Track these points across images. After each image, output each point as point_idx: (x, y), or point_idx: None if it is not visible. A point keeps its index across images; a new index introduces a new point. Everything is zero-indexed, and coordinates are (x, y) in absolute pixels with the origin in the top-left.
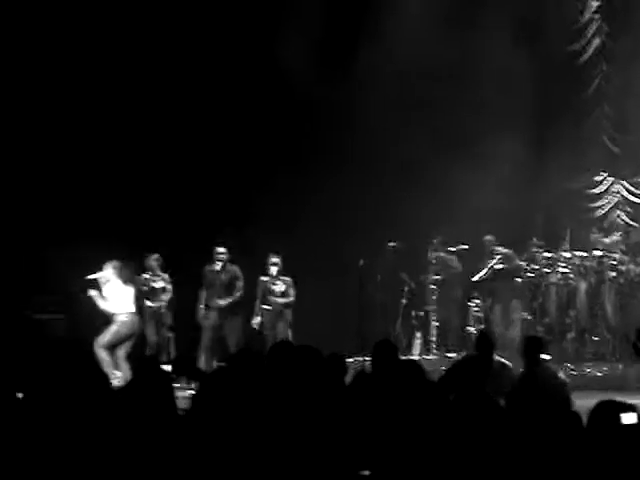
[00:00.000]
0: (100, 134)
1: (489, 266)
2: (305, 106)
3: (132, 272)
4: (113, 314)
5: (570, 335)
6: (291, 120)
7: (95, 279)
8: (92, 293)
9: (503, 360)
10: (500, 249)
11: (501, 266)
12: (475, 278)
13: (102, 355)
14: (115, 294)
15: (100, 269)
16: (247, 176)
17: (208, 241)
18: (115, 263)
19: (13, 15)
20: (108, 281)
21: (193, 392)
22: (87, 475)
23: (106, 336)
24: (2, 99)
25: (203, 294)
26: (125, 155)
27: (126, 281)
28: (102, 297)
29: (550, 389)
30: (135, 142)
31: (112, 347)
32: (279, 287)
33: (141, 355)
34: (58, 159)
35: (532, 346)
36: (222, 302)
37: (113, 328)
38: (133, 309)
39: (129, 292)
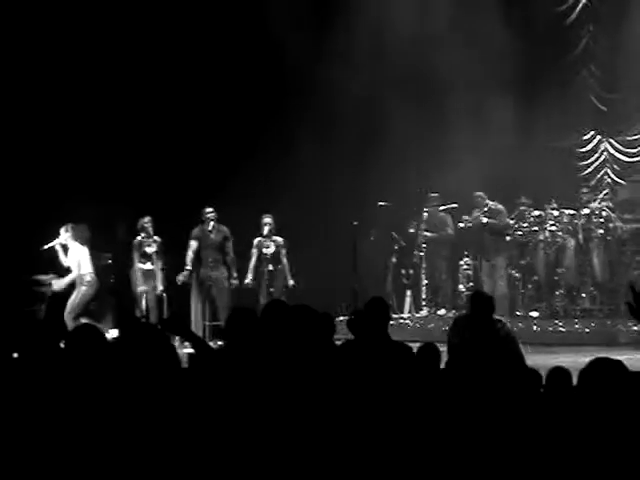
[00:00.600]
0: (85, 101)
1: (473, 217)
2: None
3: (86, 232)
4: (78, 275)
5: (559, 292)
6: (281, 83)
7: (52, 247)
8: (62, 259)
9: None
10: (490, 203)
11: (486, 220)
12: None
13: (72, 326)
14: (76, 256)
15: (56, 236)
16: (237, 138)
17: (197, 204)
18: (68, 226)
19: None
20: (66, 245)
21: (190, 351)
22: (83, 434)
23: (75, 300)
24: None
25: (190, 254)
26: (112, 118)
27: (82, 242)
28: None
29: (503, 345)
30: (120, 106)
31: (80, 312)
32: (270, 249)
33: (132, 316)
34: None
35: (483, 303)
36: (215, 273)
37: (81, 289)
38: (92, 269)
39: (86, 252)
